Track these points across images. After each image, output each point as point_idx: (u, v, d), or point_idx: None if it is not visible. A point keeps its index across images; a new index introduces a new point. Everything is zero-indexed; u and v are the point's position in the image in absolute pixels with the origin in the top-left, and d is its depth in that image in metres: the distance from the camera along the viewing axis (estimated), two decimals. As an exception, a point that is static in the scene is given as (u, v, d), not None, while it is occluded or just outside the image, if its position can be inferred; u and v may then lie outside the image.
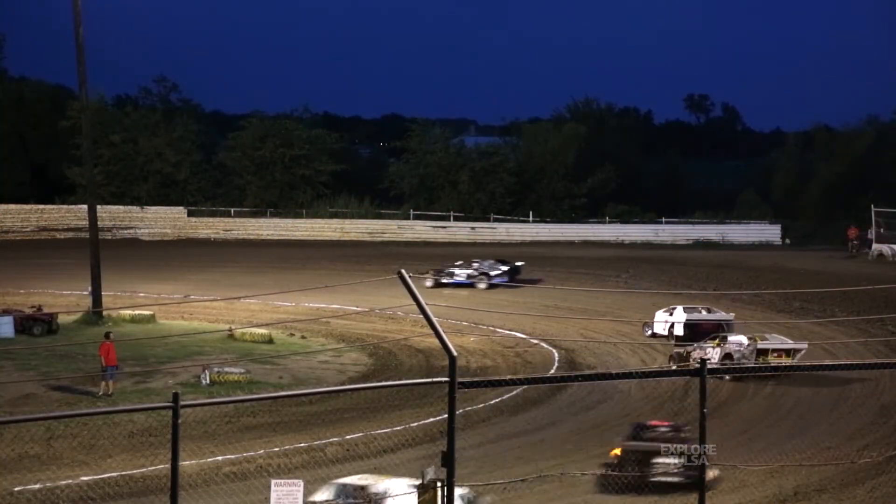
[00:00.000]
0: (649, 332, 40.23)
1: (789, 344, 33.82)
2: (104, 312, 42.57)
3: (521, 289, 50.71)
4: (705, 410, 12.14)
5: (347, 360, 37.34)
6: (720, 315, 39.62)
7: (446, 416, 11.10)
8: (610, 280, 54.30)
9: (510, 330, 41.80)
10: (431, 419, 26.84)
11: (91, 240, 45.30)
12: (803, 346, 33.87)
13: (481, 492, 17.46)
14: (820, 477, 21.84)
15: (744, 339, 34.61)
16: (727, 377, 35.19)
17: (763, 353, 32.97)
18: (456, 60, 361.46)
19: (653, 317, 41.01)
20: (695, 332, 37.83)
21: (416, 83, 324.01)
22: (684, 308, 40.31)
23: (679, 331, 38.92)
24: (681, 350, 35.90)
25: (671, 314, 40.21)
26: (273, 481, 12.68)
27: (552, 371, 34.90)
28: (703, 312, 40.17)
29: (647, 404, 29.41)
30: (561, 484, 20.03)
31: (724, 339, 35.19)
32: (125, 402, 29.74)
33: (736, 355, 33.63)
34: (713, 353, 33.67)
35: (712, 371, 12.20)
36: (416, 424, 26.88)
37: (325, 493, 17.76)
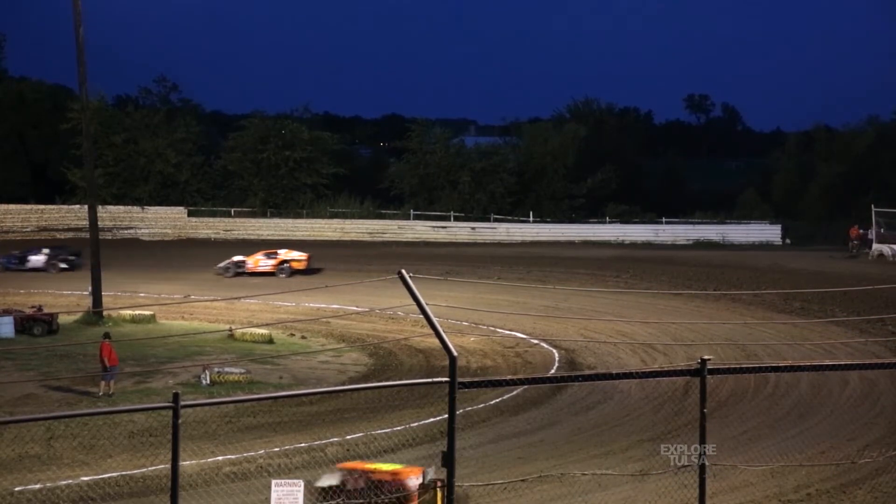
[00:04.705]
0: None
1: None
2: (104, 312, 42.58)
3: (522, 289, 50.67)
4: (705, 410, 12.12)
5: (347, 360, 37.31)
6: None
7: (446, 416, 11.09)
8: (610, 280, 54.30)
9: (510, 330, 41.75)
10: (431, 419, 26.81)
11: (91, 240, 45.34)
12: None
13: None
14: (820, 477, 21.80)
15: None
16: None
17: None
18: (456, 61, 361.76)
19: None
20: None
21: (416, 83, 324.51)
22: None
23: None
24: None
25: None
26: (273, 481, 12.66)
27: (552, 371, 34.85)
28: None
29: (647, 404, 29.37)
30: (561, 484, 19.99)
31: None
32: (125, 402, 29.72)
33: None
34: None
35: (712, 371, 12.17)
36: (416, 424, 26.84)
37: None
